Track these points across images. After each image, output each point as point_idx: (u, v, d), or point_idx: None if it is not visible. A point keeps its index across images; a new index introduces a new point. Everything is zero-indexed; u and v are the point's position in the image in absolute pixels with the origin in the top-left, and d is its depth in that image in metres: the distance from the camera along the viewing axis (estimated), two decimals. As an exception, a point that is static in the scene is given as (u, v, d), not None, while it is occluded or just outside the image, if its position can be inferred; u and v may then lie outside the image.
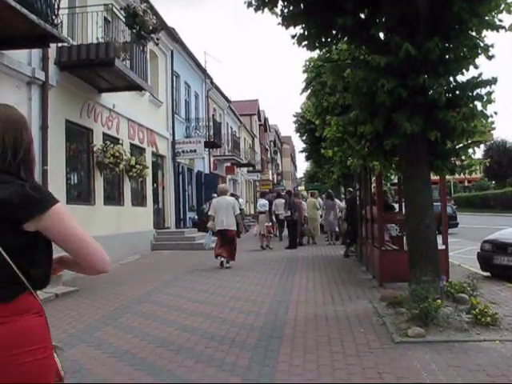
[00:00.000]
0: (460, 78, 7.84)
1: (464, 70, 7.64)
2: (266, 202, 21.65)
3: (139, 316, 7.92)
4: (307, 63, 16.49)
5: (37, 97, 11.30)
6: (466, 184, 71.28)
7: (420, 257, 7.89)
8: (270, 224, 20.08)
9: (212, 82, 30.11)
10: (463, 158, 8.53)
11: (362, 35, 7.99)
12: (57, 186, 12.05)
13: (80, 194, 13.88)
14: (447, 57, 7.55)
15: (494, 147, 62.42)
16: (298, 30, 8.18)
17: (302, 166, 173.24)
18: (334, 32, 8.29)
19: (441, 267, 8.20)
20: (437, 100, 7.33)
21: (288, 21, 8.08)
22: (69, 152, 13.23)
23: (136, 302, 9.01)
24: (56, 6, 9.75)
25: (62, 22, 10.19)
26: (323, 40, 8.20)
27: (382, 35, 8.03)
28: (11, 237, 1.98)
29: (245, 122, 45.65)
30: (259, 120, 56.71)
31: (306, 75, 16.46)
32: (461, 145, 8.39)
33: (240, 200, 29.14)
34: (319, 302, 8.67)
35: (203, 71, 28.26)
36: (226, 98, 35.15)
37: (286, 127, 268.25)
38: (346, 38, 8.54)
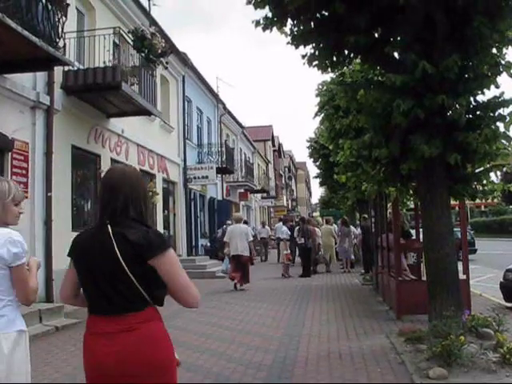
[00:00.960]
0: (480, 98, 7.41)
1: (485, 89, 7.19)
2: (285, 228, 21.25)
3: None
4: (320, 87, 16.13)
5: (41, 122, 11.01)
6: (483, 209, 70.22)
7: (440, 288, 7.36)
8: (289, 252, 19.58)
9: (225, 108, 29.91)
10: (484, 182, 8.02)
11: (375, 54, 7.58)
12: (62, 212, 11.72)
13: (87, 221, 13.51)
14: (467, 75, 7.11)
15: (510, 171, 61.45)
16: (309, 49, 7.81)
17: (317, 191, 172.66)
18: (345, 52, 7.91)
19: (462, 299, 7.66)
20: (456, 121, 6.89)
21: (298, 40, 7.71)
22: (75, 178, 12.90)
23: None
24: (60, 29, 9.49)
25: (65, 44, 9.96)
26: (335, 60, 7.80)
27: (396, 55, 7.65)
28: (139, 267, 2.59)
29: (259, 148, 45.41)
30: (273, 146, 56.47)
31: (319, 99, 16.09)
32: (481, 168, 7.89)
33: (266, 227, 28.92)
34: (333, 337, 8.14)
35: (215, 96, 28.07)
36: (240, 124, 34.93)
37: (301, 153, 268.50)
38: (358, 58, 8.17)
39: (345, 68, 15.59)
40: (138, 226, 2.66)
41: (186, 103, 22.75)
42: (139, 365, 2.55)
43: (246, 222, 19.02)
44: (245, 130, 37.15)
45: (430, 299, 7.51)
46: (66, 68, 11.75)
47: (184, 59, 21.37)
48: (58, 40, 9.41)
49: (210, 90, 26.89)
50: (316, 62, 7.83)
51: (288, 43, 7.72)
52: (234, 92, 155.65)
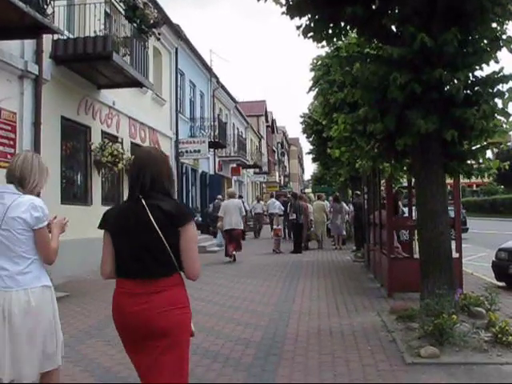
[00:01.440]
0: (479, 73, 7.23)
1: (484, 64, 7.01)
2: (278, 203, 21.17)
3: (103, 342, 7.20)
4: (315, 61, 15.85)
5: (29, 91, 10.72)
6: (474, 188, 70.30)
7: (433, 266, 7.27)
8: (280, 227, 19.49)
9: (218, 82, 29.55)
10: (480, 160, 7.88)
11: (372, 27, 7.35)
12: (51, 184, 11.42)
13: (76, 194, 13.33)
14: (465, 50, 6.90)
15: (503, 150, 61.40)
16: (304, 20, 7.58)
17: (310, 168, 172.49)
18: (342, 24, 7.69)
19: (455, 278, 7.58)
20: (454, 96, 6.71)
21: (293, 10, 7.49)
22: (65, 150, 12.66)
23: (103, 323, 8.37)
24: (48, -5, 9.21)
25: (54, 12, 9.66)
26: (330, 32, 7.58)
27: (394, 28, 7.44)
28: (171, 235, 2.91)
29: (252, 123, 45.11)
30: (266, 121, 56.16)
31: (313, 73, 15.84)
32: (478, 146, 7.74)
33: (261, 202, 28.68)
34: (323, 314, 8.06)
35: (209, 70, 27.69)
36: (233, 99, 34.58)
37: (294, 129, 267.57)
38: (355, 31, 7.96)
39: (340, 42, 15.43)
40: (168, 199, 3.03)
41: (179, 76, 22.40)
42: (163, 322, 2.91)
43: (240, 197, 19.01)
44: (238, 105, 36.81)
45: (422, 277, 7.41)
46: (56, 37, 11.46)
47: (177, 31, 20.98)
48: (45, 7, 9.14)
49: (203, 63, 26.51)
50: (311, 34, 7.61)
51: (283, 13, 7.50)
52: (227, 66, 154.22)
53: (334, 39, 7.63)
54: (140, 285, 2.93)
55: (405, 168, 8.26)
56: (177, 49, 21.47)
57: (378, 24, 7.10)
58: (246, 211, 20.81)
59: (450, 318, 6.02)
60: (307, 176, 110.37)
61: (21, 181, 3.55)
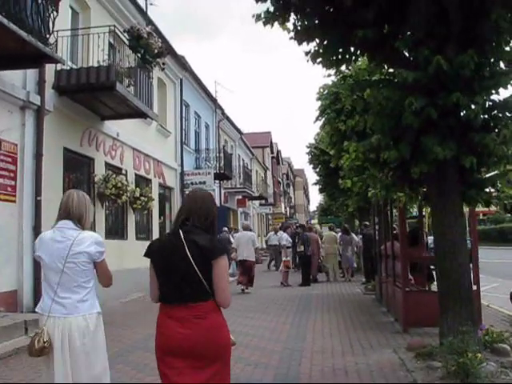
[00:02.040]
0: (496, 97, 6.92)
1: (501, 88, 6.72)
2: (286, 235, 20.82)
3: (130, 367, 6.92)
4: (321, 90, 15.63)
5: (31, 122, 10.50)
6: (481, 217, 69.62)
7: (453, 300, 6.86)
8: (288, 259, 19.03)
9: (223, 113, 29.47)
10: (499, 186, 7.52)
11: (384, 50, 7.09)
12: (52, 218, 11.13)
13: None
14: (482, 73, 6.61)
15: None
16: (312, 46, 7.35)
17: (315, 199, 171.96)
18: (352, 49, 7.44)
19: (476, 312, 7.17)
20: (471, 121, 6.39)
21: (301, 35, 7.25)
22: (67, 182, 12.40)
23: (130, 350, 8.02)
24: (51, 24, 9.02)
25: (57, 41, 9.45)
26: (340, 57, 7.32)
27: (406, 52, 7.17)
28: (204, 266, 3.25)
29: (257, 155, 44.95)
30: (272, 152, 56.02)
31: (319, 103, 15.59)
32: (496, 172, 7.40)
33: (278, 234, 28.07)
34: (337, 352, 7.64)
35: (214, 101, 27.61)
36: (238, 130, 34.47)
37: (299, 160, 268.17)
38: (365, 56, 7.70)
39: (347, 70, 15.24)
40: (204, 234, 3.36)
41: (184, 107, 22.28)
42: (207, 345, 3.22)
43: (250, 230, 18.82)
44: (243, 136, 36.68)
45: (441, 312, 7.01)
46: (59, 67, 11.29)
47: (182, 62, 20.92)
48: (48, 36, 8.94)
49: (208, 94, 26.43)
50: (320, 59, 7.36)
51: (291, 38, 7.27)
52: (232, 98, 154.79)
53: (344, 65, 7.36)
54: (182, 309, 3.26)
55: (420, 197, 7.90)
56: (181, 80, 21.37)
57: (390, 48, 6.84)
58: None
59: (474, 356, 5.63)
60: (313, 207, 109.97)
61: (79, 218, 3.97)
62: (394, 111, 6.74)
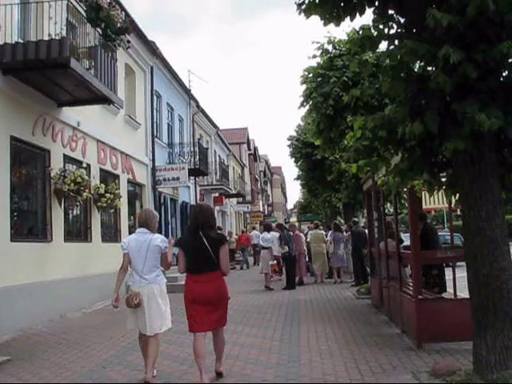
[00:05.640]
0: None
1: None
2: (271, 236, 18.36)
3: None
4: (306, 73, 14.03)
5: (-33, 105, 8.79)
6: (459, 212, 68.86)
7: (493, 313, 5.37)
8: (275, 262, 17.34)
9: (198, 106, 27.79)
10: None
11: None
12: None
13: (32, 229, 11.26)
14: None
15: None
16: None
17: (293, 197, 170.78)
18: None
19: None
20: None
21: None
22: (18, 176, 10.69)
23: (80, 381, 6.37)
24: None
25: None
26: (343, 5, 5.76)
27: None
28: (215, 251, 5.98)
29: (234, 151, 43.37)
30: (249, 149, 54.40)
31: (304, 87, 13.98)
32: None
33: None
34: (342, 379, 6.09)
35: (187, 92, 25.89)
36: (214, 124, 32.79)
37: (276, 157, 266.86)
38: (372, 8, 6.13)
39: (335, 50, 13.67)
40: (214, 231, 6.23)
41: (155, 98, 20.55)
42: (217, 296, 6.02)
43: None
44: (219, 131, 35.03)
45: (477, 328, 5.53)
46: (2, 41, 9.59)
47: (153, 48, 19.17)
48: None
49: (181, 85, 24.69)
50: (317, 12, 5.80)
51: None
52: (207, 92, 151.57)
53: (348, 17, 5.77)
54: (202, 275, 5.98)
55: (444, 184, 6.35)
56: (152, 67, 19.62)
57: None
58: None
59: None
60: (290, 205, 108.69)
61: (149, 226, 6.48)
62: (417, 72, 5.19)
